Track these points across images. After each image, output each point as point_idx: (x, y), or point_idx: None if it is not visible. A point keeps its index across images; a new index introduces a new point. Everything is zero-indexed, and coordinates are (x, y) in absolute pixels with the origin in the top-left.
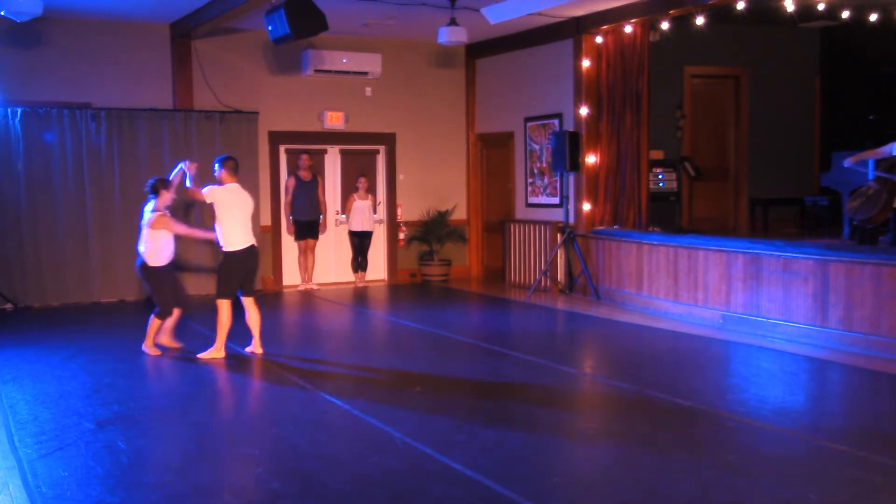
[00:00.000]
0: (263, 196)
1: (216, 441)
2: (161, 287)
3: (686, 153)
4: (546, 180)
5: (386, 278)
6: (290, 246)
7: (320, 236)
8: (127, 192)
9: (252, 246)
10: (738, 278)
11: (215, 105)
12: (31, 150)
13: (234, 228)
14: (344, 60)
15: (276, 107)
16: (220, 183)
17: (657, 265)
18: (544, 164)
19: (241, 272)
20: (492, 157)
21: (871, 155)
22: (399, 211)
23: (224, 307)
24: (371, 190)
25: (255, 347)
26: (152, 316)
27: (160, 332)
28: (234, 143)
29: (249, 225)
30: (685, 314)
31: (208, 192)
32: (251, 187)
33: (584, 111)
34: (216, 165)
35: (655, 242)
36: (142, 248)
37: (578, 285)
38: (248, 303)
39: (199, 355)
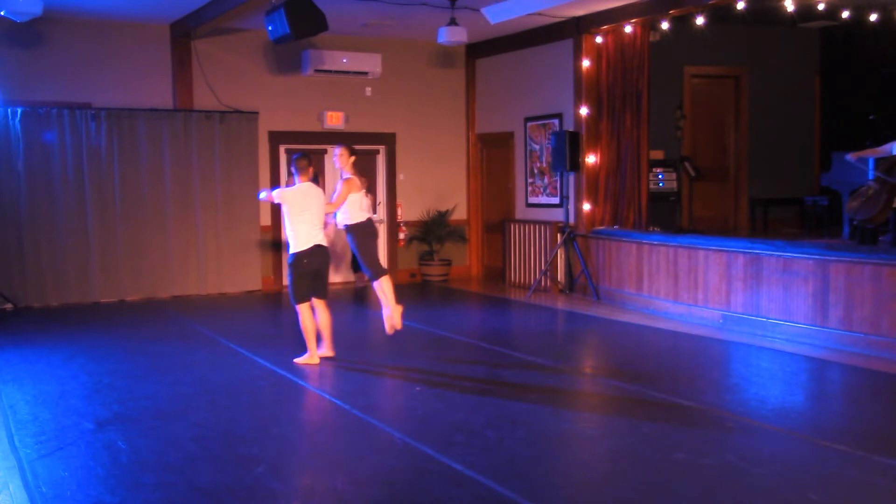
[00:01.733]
0: None
1: (216, 441)
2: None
3: (686, 153)
4: (546, 180)
5: None
6: None
7: None
8: (127, 192)
9: (318, 245)
10: (738, 278)
11: (215, 105)
12: (31, 150)
13: (300, 229)
14: (344, 60)
15: (276, 107)
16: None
17: (657, 265)
18: (544, 164)
19: (309, 273)
20: (492, 157)
21: (872, 154)
22: (399, 211)
23: (303, 311)
24: (371, 190)
25: (327, 350)
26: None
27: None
28: (234, 143)
29: (318, 224)
30: (685, 314)
31: (277, 194)
32: (251, 187)
33: (584, 111)
34: (291, 167)
35: (655, 242)
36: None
37: (578, 285)
38: (319, 305)
39: (295, 360)
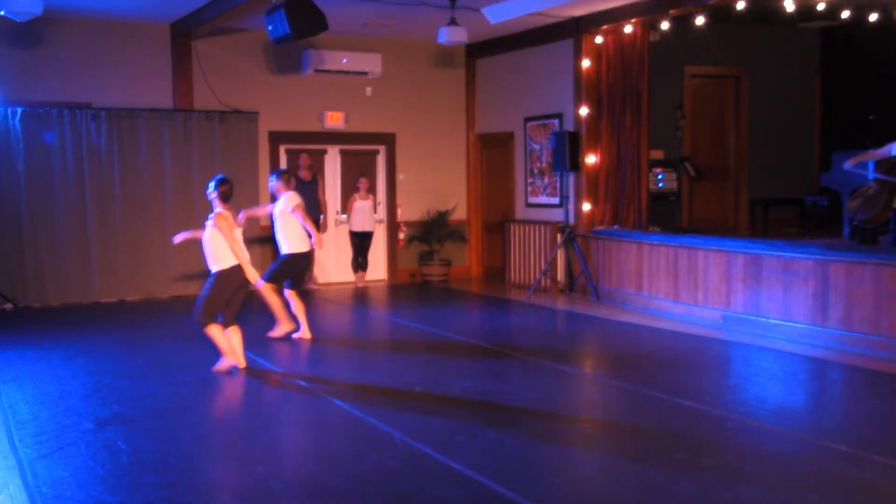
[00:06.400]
0: (263, 196)
1: (216, 441)
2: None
3: (686, 153)
4: (546, 180)
5: (386, 278)
6: None
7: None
8: (127, 192)
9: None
10: (738, 278)
11: (215, 105)
12: (31, 150)
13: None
14: (344, 60)
15: (276, 107)
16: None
17: (657, 265)
18: (544, 164)
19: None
20: (492, 157)
21: (871, 157)
22: (399, 211)
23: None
24: (371, 190)
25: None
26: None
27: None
28: (234, 143)
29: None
30: (685, 314)
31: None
32: (251, 187)
33: (584, 111)
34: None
35: (655, 242)
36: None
37: (578, 285)
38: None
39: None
